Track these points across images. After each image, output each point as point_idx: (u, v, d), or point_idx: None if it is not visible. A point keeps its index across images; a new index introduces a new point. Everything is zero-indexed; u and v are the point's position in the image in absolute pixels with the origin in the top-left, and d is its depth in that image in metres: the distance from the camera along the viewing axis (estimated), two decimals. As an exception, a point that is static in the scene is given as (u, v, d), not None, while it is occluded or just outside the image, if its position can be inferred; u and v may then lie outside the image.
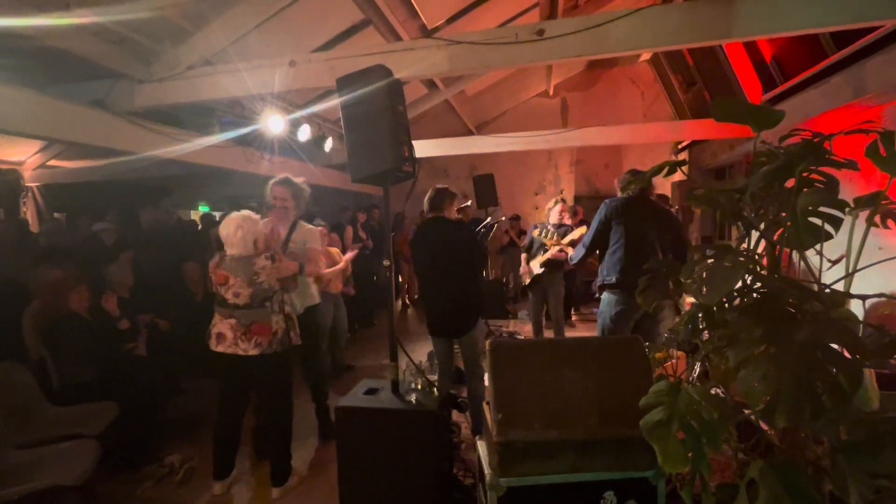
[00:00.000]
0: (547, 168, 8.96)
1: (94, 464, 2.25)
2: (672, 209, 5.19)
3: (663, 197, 5.44)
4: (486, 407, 1.91)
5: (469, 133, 8.01)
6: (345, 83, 2.16)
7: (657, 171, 1.37)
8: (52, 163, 5.75)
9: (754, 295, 1.19)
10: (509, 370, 1.74)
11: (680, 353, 2.54)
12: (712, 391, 1.45)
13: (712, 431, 1.12)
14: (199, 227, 6.44)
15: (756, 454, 1.53)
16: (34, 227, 5.79)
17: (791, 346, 0.99)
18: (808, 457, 1.28)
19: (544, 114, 8.53)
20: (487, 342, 1.82)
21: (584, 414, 1.65)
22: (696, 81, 6.41)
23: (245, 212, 2.60)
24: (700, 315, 1.39)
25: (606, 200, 3.08)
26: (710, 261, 1.17)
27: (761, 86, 4.88)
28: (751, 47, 4.76)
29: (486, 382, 2.09)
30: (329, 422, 3.23)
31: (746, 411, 1.29)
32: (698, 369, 1.91)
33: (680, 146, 7.20)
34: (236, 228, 2.50)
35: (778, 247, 1.27)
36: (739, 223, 1.29)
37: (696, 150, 6.92)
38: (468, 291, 2.98)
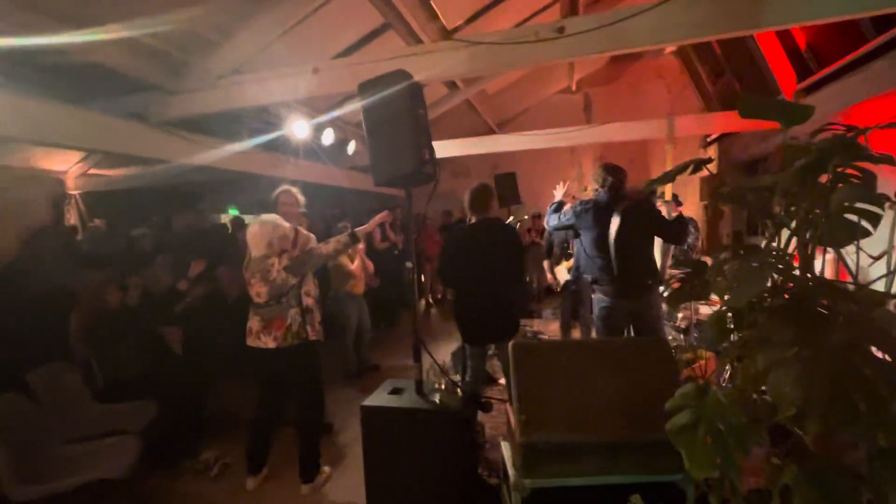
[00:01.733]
0: (570, 165, 8.84)
1: (136, 459, 2.37)
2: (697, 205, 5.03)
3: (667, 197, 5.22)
4: (509, 408, 1.92)
5: (491, 131, 7.98)
6: (366, 88, 2.19)
7: (681, 169, 1.35)
8: (93, 171, 6.05)
9: (785, 296, 1.15)
10: (532, 371, 1.74)
11: (709, 353, 2.49)
12: (743, 394, 1.41)
13: (741, 436, 1.10)
14: (229, 230, 6.65)
15: (790, 459, 1.49)
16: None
17: (824, 348, 0.96)
18: (845, 463, 1.24)
19: (567, 110, 8.41)
20: (510, 343, 1.83)
21: (610, 416, 1.63)
22: (726, 72, 6.20)
23: (264, 216, 2.72)
24: (729, 316, 1.36)
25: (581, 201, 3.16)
26: (737, 261, 1.15)
27: (795, 74, 4.68)
28: (784, 34, 4.57)
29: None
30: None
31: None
32: (729, 371, 1.86)
33: (709, 139, 6.97)
34: (254, 232, 2.63)
35: (810, 245, 1.23)
36: (769, 221, 1.25)
37: (727, 142, 6.69)
38: (515, 296, 3.00)
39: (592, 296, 3.07)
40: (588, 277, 3.07)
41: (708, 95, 7.01)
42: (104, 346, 3.18)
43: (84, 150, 4.65)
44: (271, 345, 2.58)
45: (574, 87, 8.30)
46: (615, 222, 2.89)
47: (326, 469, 2.84)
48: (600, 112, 8.33)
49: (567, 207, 3.27)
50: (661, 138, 7.35)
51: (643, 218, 2.97)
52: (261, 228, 2.64)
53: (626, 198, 3.02)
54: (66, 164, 5.78)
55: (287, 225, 2.72)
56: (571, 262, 4.34)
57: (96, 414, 2.78)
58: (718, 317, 1.33)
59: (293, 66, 3.21)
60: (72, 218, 6.24)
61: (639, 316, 2.88)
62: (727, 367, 1.70)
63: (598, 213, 3.00)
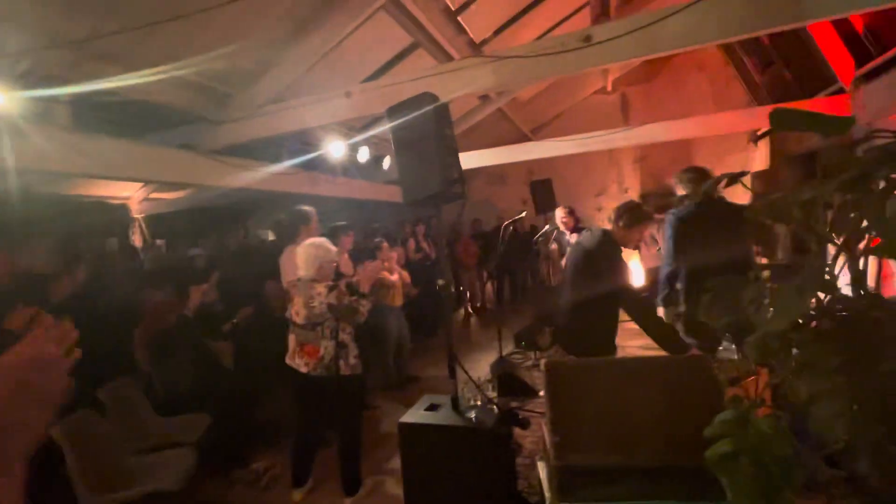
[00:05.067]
0: (609, 167, 8.61)
1: (192, 470, 2.53)
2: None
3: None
4: (544, 426, 1.89)
5: (525, 138, 7.91)
6: (394, 112, 2.26)
7: (714, 184, 1.29)
8: (154, 195, 6.54)
9: (833, 315, 1.07)
10: (567, 391, 1.71)
11: (761, 369, 2.32)
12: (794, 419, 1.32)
13: (788, 469, 1.03)
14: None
15: (852, 488, 1.37)
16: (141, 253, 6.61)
17: (876, 377, 0.89)
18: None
19: (604, 111, 8.21)
20: (542, 361, 1.80)
21: (649, 439, 1.57)
22: (774, 61, 5.84)
23: (316, 238, 2.82)
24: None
25: (673, 211, 2.93)
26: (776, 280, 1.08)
27: (854, 60, 4.34)
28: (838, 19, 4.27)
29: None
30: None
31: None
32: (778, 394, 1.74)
33: (759, 133, 6.58)
34: (307, 253, 2.72)
35: (862, 260, 1.14)
36: (812, 236, 1.17)
37: (780, 135, 6.27)
38: None
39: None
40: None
41: (756, 87, 6.63)
42: (163, 361, 3.41)
43: (141, 181, 5.04)
44: (303, 369, 2.64)
45: (610, 88, 8.10)
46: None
47: (368, 482, 2.90)
48: (639, 111, 8.07)
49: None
50: (706, 135, 7.02)
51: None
52: (315, 251, 2.70)
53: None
54: (130, 191, 6.29)
55: (335, 249, 2.81)
56: None
57: (156, 426, 2.99)
58: (760, 338, 1.25)
59: (328, 91, 3.36)
60: (136, 240, 6.78)
61: None
62: (778, 388, 1.59)
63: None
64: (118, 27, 2.53)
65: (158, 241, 7.26)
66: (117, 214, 6.47)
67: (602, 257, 2.54)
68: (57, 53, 2.58)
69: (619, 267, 2.55)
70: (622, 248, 2.58)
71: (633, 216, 2.57)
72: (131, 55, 2.90)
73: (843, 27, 4.30)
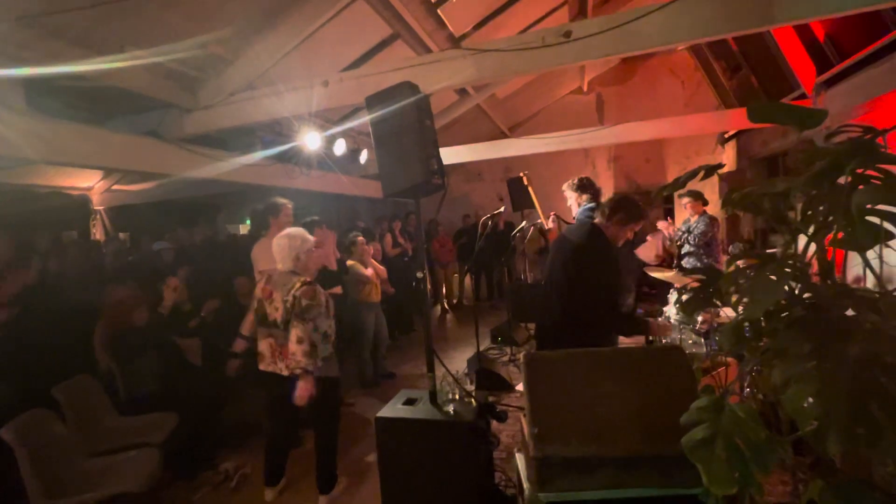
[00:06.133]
0: (584, 166, 8.73)
1: (157, 471, 2.42)
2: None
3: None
4: (522, 418, 1.89)
5: (503, 135, 7.95)
6: (373, 101, 2.21)
7: (691, 175, 1.31)
8: (117, 187, 6.24)
9: (804, 303, 1.11)
10: (545, 383, 1.71)
11: (730, 360, 2.41)
12: (763, 406, 1.36)
13: (760, 452, 1.06)
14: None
15: (816, 472, 1.43)
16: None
17: (844, 362, 0.92)
18: (874, 479, 1.18)
19: (579, 111, 8.33)
20: (521, 354, 1.80)
21: (625, 429, 1.59)
22: (742, 67, 6.05)
23: (295, 229, 2.72)
24: (746, 325, 1.32)
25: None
26: (751, 270, 1.11)
27: (815, 67, 4.54)
28: (801, 26, 4.45)
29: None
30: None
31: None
32: (749, 381, 1.80)
33: (726, 136, 6.82)
34: (281, 245, 2.62)
35: (830, 252, 1.18)
36: (784, 228, 1.21)
37: (745, 138, 6.53)
38: None
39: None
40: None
41: (724, 91, 6.86)
42: (127, 359, 3.25)
43: (101, 168, 4.79)
44: (285, 373, 2.53)
45: (586, 88, 8.22)
46: None
47: (343, 479, 2.85)
48: (613, 112, 8.22)
49: None
50: (678, 136, 7.23)
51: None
52: (288, 241, 2.60)
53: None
54: (91, 181, 5.98)
55: (312, 239, 2.71)
56: None
57: (118, 426, 2.84)
58: (735, 326, 1.29)
59: (304, 80, 3.27)
60: (98, 233, 6.46)
61: None
62: (747, 377, 1.64)
63: None
64: (75, 4, 2.39)
65: (122, 235, 6.94)
66: (77, 205, 6.15)
67: (592, 253, 2.34)
68: (7, 29, 2.41)
69: (612, 264, 2.38)
70: (612, 244, 2.41)
71: (631, 213, 2.37)
72: (92, 35, 2.74)
73: (805, 35, 4.49)
